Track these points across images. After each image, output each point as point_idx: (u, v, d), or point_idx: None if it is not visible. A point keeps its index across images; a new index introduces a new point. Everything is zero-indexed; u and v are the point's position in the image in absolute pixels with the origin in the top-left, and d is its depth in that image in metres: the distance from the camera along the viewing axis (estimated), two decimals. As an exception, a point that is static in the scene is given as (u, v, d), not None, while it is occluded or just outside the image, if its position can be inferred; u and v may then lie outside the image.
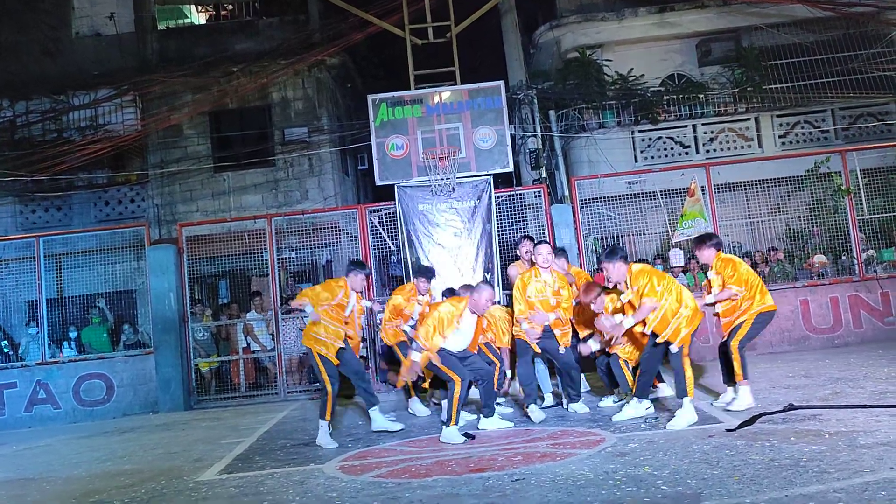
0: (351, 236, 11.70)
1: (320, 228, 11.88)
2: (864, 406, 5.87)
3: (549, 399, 7.60)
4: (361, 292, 7.28)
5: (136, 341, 11.80)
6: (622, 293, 6.25)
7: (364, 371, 7.33)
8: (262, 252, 11.35)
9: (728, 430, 5.47)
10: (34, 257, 11.34)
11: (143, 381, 11.02)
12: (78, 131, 14.41)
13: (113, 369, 11.06)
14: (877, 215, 11.18)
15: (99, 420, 10.66)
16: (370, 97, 11.37)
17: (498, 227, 10.96)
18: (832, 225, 11.28)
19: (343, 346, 6.78)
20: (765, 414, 5.87)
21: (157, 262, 11.21)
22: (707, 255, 6.71)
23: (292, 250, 11.97)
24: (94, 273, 11.74)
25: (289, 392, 10.86)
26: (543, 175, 13.40)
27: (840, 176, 11.19)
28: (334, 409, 6.66)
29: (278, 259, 11.37)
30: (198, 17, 16.59)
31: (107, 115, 14.47)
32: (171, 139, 14.69)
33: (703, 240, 6.85)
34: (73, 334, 11.64)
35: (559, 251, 7.73)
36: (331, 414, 6.60)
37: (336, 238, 11.96)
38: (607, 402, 7.20)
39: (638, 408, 6.34)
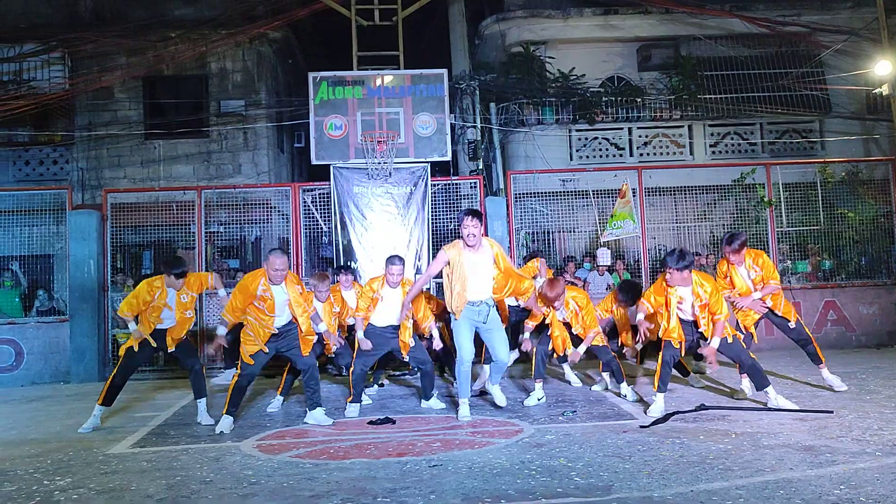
0: (282, 214, 11.54)
1: (251, 204, 11.68)
2: (769, 409, 6.14)
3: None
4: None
5: (51, 308, 11.37)
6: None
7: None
8: (189, 224, 11.08)
9: (642, 427, 5.64)
10: (-56, 214, 10.81)
11: (56, 350, 10.65)
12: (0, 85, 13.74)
13: (23, 335, 10.65)
14: (794, 228, 11.67)
15: (5, 388, 10.24)
16: (311, 74, 11.22)
17: (432, 216, 10.98)
18: (753, 234, 11.70)
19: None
20: (678, 413, 6.07)
21: (79, 227, 10.83)
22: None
23: (221, 224, 11.72)
24: (8, 234, 11.22)
25: (209, 368, 10.65)
26: (480, 166, 13.47)
27: (763, 188, 11.63)
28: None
29: (206, 233, 11.12)
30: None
31: (32, 71, 13.80)
32: (100, 101, 14.15)
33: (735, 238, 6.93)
34: (-19, 297, 11.16)
35: None
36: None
37: (267, 215, 11.77)
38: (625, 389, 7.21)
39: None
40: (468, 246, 6.22)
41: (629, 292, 7.42)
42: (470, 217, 6.17)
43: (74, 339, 10.57)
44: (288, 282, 6.30)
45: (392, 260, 7.00)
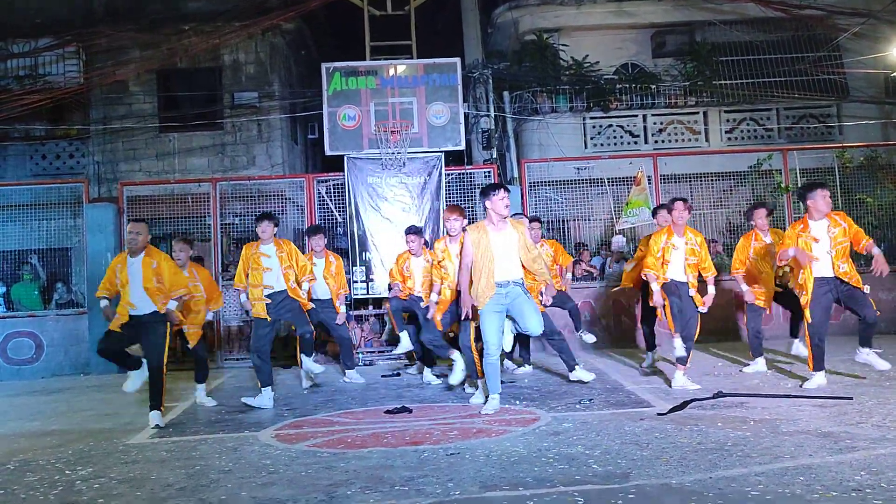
0: (297, 205, 11.56)
1: (266, 196, 11.71)
2: (787, 396, 6.10)
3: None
4: None
5: (70, 300, 11.48)
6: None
7: None
8: (205, 216, 11.14)
9: (659, 414, 5.62)
10: (-37, 209, 10.93)
11: (75, 342, 10.75)
12: (16, 80, 13.82)
13: (43, 328, 10.75)
14: (812, 214, 11.52)
15: (26, 379, 10.37)
16: (324, 65, 11.21)
17: (446, 205, 10.94)
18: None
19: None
20: (695, 400, 6.05)
21: (96, 220, 10.91)
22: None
23: (236, 216, 11.78)
24: (27, 228, 11.34)
25: (225, 360, 10.73)
26: (494, 155, 13.43)
27: (780, 174, 11.52)
28: None
29: (221, 224, 11.18)
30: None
31: (47, 66, 13.89)
32: (115, 95, 14.22)
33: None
34: (1, 290, 11.25)
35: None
36: None
37: (282, 206, 11.80)
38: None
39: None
40: (493, 224, 5.94)
41: None
42: (504, 190, 5.91)
43: (93, 331, 10.63)
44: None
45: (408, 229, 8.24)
